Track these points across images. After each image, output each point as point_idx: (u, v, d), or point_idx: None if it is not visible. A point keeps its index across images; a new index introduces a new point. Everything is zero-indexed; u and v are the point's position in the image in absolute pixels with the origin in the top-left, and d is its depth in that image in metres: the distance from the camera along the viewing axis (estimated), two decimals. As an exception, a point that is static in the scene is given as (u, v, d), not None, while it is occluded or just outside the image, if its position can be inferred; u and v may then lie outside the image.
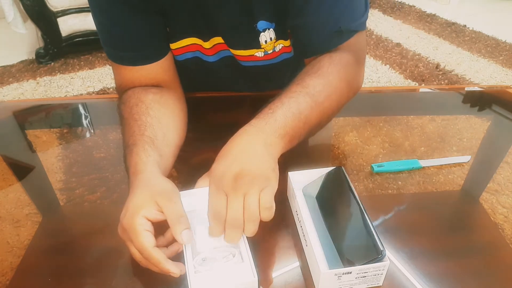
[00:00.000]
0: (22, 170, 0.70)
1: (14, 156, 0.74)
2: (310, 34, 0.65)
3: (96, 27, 0.67)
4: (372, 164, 0.68)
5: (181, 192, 0.54)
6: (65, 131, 0.79)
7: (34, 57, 2.49)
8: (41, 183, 0.67)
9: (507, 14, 3.15)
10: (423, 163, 0.68)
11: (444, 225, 0.60)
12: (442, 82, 2.32)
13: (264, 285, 0.51)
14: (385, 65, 2.47)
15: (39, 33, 2.48)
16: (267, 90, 0.81)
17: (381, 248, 0.46)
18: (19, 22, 2.39)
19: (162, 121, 0.62)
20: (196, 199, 0.53)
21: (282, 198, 0.62)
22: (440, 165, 0.69)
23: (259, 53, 0.71)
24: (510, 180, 0.66)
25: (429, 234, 0.58)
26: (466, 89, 1.02)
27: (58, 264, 0.54)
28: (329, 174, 0.57)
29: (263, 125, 0.54)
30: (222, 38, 0.70)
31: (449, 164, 0.69)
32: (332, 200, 0.56)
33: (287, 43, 0.72)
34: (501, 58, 2.53)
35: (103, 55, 2.54)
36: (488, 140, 0.76)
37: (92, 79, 2.36)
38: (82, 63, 2.51)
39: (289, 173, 0.59)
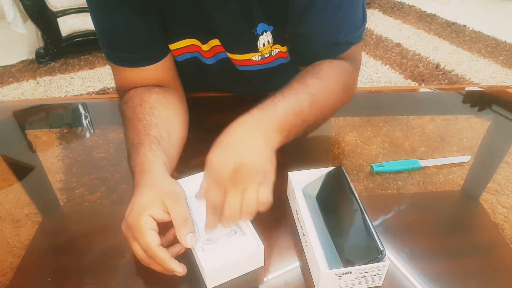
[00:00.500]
0: (22, 170, 0.70)
1: (14, 156, 0.74)
2: (308, 44, 0.66)
3: (95, 29, 0.67)
4: (372, 164, 0.68)
5: (179, 180, 0.56)
6: (65, 131, 0.79)
7: (34, 57, 2.49)
8: (41, 183, 0.67)
9: (507, 14, 3.15)
10: (423, 163, 0.68)
11: (444, 225, 0.60)
12: (442, 82, 2.32)
13: (266, 284, 0.51)
14: (385, 65, 2.47)
15: (39, 33, 2.48)
16: (264, 93, 0.81)
17: (381, 248, 0.46)
18: (19, 22, 2.39)
19: (166, 121, 0.62)
20: (194, 185, 0.55)
21: (282, 198, 0.62)
22: (440, 165, 0.69)
23: (256, 57, 0.71)
24: (510, 180, 0.66)
25: (429, 234, 0.58)
26: (466, 89, 1.02)
27: (58, 264, 0.54)
28: (329, 174, 0.57)
29: (265, 117, 0.54)
30: (220, 41, 0.70)
31: (449, 164, 0.69)
32: (332, 200, 0.56)
33: (284, 48, 0.72)
34: (501, 58, 2.53)
35: (103, 55, 2.52)
36: (488, 140, 0.76)
37: (92, 79, 2.36)
38: (82, 63, 2.51)
39: (289, 173, 0.59)
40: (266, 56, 0.72)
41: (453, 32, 2.86)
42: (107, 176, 0.67)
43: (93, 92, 2.24)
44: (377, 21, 3.05)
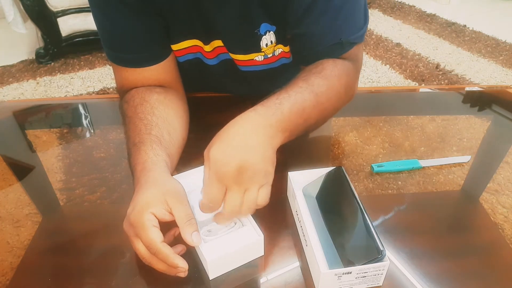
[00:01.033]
0: (22, 170, 0.70)
1: (14, 156, 0.74)
2: (310, 44, 0.65)
3: (97, 29, 0.67)
4: (372, 164, 0.68)
5: (177, 175, 0.57)
6: (65, 131, 0.79)
7: (34, 57, 2.49)
8: (41, 183, 0.67)
9: (507, 14, 3.15)
10: (423, 163, 0.68)
11: (444, 225, 0.60)
12: (442, 82, 2.32)
13: (266, 284, 0.51)
14: (385, 65, 2.47)
15: (39, 33, 2.47)
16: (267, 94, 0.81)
17: (381, 248, 0.46)
18: (19, 22, 2.39)
19: (167, 121, 0.62)
20: (190, 180, 0.56)
21: (282, 198, 0.62)
22: (440, 165, 0.69)
23: (258, 57, 0.71)
24: (510, 180, 0.66)
25: (429, 234, 0.58)
26: (466, 89, 1.02)
27: (58, 264, 0.54)
28: (329, 174, 0.57)
29: (269, 115, 0.53)
30: (222, 41, 0.70)
31: (449, 164, 0.69)
32: (332, 200, 0.56)
33: (287, 48, 0.72)
34: (501, 58, 2.53)
35: (103, 55, 2.54)
36: (488, 140, 0.76)
37: (92, 79, 2.36)
38: (82, 63, 2.51)
39: (289, 173, 0.59)
40: (269, 56, 0.72)
41: (453, 32, 2.86)
42: (107, 176, 0.67)
43: (93, 92, 2.24)
44: (377, 21, 3.05)
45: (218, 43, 0.71)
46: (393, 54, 2.58)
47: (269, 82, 0.81)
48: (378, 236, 0.48)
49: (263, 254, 0.53)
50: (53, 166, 0.69)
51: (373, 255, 0.46)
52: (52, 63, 2.49)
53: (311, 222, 0.54)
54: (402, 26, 2.98)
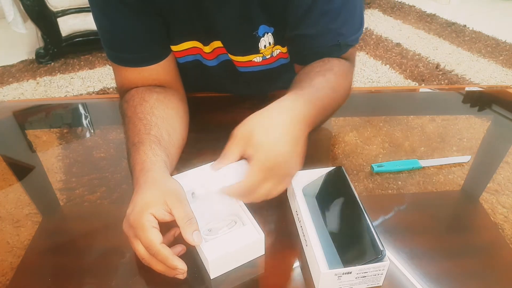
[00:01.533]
0: (22, 170, 0.70)
1: (14, 156, 0.74)
2: (310, 45, 0.66)
3: (97, 28, 0.67)
4: (372, 164, 0.68)
5: (177, 175, 0.57)
6: (65, 131, 0.79)
7: (34, 57, 2.49)
8: (41, 183, 0.67)
9: (507, 14, 3.15)
10: (423, 163, 0.68)
11: (444, 225, 0.60)
12: (442, 82, 2.32)
13: (266, 285, 0.51)
14: (385, 65, 2.47)
15: (39, 33, 2.47)
16: (266, 94, 0.81)
17: (381, 248, 0.46)
18: (19, 22, 2.39)
19: (166, 121, 0.62)
20: (189, 181, 0.56)
21: (282, 198, 0.62)
22: (440, 165, 0.69)
23: (257, 58, 0.71)
24: (510, 180, 0.66)
25: (429, 234, 0.58)
26: (466, 89, 1.02)
27: (58, 264, 0.54)
28: (329, 174, 0.57)
29: (306, 109, 0.54)
30: (222, 43, 0.70)
31: (449, 164, 0.69)
32: (332, 200, 0.56)
33: (285, 49, 0.72)
34: (501, 58, 2.53)
35: (103, 55, 2.54)
36: (488, 140, 0.76)
37: (92, 79, 2.36)
38: (82, 63, 2.51)
39: (289, 173, 0.59)
40: (267, 57, 0.72)
41: (453, 32, 2.86)
42: (107, 176, 0.67)
43: (93, 92, 2.24)
44: (377, 21, 3.05)
45: (217, 44, 0.71)
46: (393, 54, 2.58)
47: (268, 83, 0.81)
48: (378, 236, 0.48)
49: (263, 253, 0.53)
50: (53, 166, 0.69)
51: (373, 255, 0.46)
52: (52, 63, 2.49)
53: (311, 222, 0.54)
54: (402, 26, 2.98)
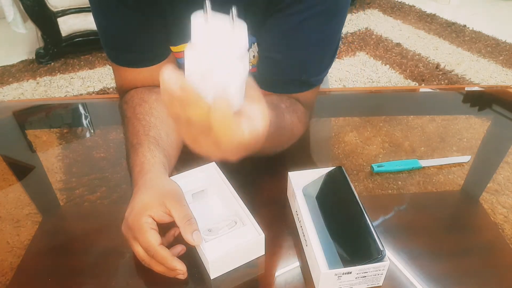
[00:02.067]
0: (22, 170, 0.70)
1: (14, 156, 0.74)
2: (272, 69, 0.63)
3: (97, 28, 0.67)
4: (372, 164, 0.68)
5: (175, 176, 0.57)
6: (65, 131, 0.79)
7: (34, 57, 2.49)
8: (41, 183, 0.67)
9: (507, 14, 3.15)
10: (423, 163, 0.68)
11: (444, 225, 0.60)
12: (442, 82, 2.32)
13: (266, 285, 0.51)
14: (385, 65, 2.47)
15: (39, 33, 2.47)
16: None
17: (381, 248, 0.46)
18: (19, 22, 2.39)
19: (165, 121, 0.62)
20: (188, 181, 0.56)
21: (282, 198, 0.62)
22: (440, 165, 0.69)
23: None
24: (510, 180, 0.66)
25: (429, 234, 0.58)
26: (466, 89, 1.02)
27: (58, 264, 0.54)
28: (329, 174, 0.57)
29: None
30: None
31: (449, 164, 0.69)
32: (332, 200, 0.56)
33: None
34: (501, 58, 2.53)
35: (103, 55, 2.54)
36: (488, 140, 0.76)
37: (92, 79, 2.36)
38: (82, 63, 2.51)
39: (289, 173, 0.59)
40: (255, 65, 0.71)
41: (453, 32, 2.86)
42: (107, 176, 0.67)
43: (93, 92, 2.24)
44: (377, 21, 3.05)
45: None
46: (393, 54, 2.58)
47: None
48: (378, 236, 0.48)
49: (263, 253, 0.53)
50: (53, 166, 0.69)
51: (373, 255, 0.46)
52: (52, 63, 2.49)
53: (311, 222, 0.54)
54: (402, 26, 2.98)
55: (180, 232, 0.48)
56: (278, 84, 0.63)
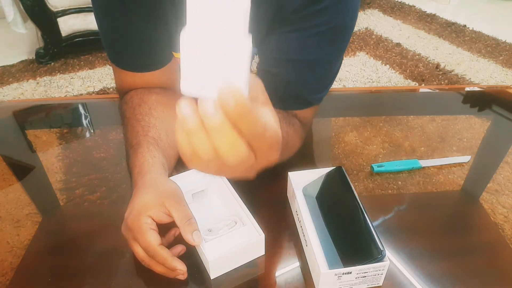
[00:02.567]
0: (22, 170, 0.70)
1: (14, 156, 0.74)
2: (270, 84, 0.60)
3: (99, 30, 0.66)
4: (372, 164, 0.68)
5: (175, 176, 0.57)
6: (65, 131, 0.79)
7: (34, 57, 2.49)
8: (41, 183, 0.67)
9: (507, 14, 3.15)
10: (423, 163, 0.68)
11: (444, 225, 0.60)
12: (442, 82, 2.32)
13: (266, 285, 0.51)
14: (385, 65, 2.47)
15: (39, 33, 2.47)
16: None
17: (381, 248, 0.46)
18: (19, 22, 2.39)
19: (165, 122, 0.62)
20: (187, 182, 0.56)
21: (282, 198, 0.62)
22: (440, 165, 0.69)
23: None
24: (510, 180, 0.66)
25: (429, 234, 0.58)
26: (466, 89, 1.02)
27: (58, 264, 0.54)
28: (329, 174, 0.57)
29: None
30: None
31: (449, 164, 0.69)
32: (332, 200, 0.56)
33: None
34: (501, 58, 2.53)
35: (103, 55, 2.54)
36: (488, 140, 0.76)
37: (92, 79, 2.36)
38: (82, 63, 2.51)
39: (289, 173, 0.59)
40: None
41: (453, 32, 2.86)
42: (107, 176, 0.67)
43: (93, 92, 2.24)
44: (377, 21, 3.05)
45: None
46: (393, 54, 2.58)
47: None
48: (378, 236, 0.48)
49: (263, 253, 0.53)
50: (53, 166, 0.69)
51: (373, 255, 0.46)
52: (52, 63, 2.48)
53: (311, 222, 0.54)
54: (402, 26, 2.98)
55: (180, 232, 0.48)
56: (275, 100, 0.61)
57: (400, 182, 0.66)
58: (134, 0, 0.59)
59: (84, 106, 0.87)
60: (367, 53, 2.60)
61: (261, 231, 0.52)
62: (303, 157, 0.71)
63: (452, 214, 0.62)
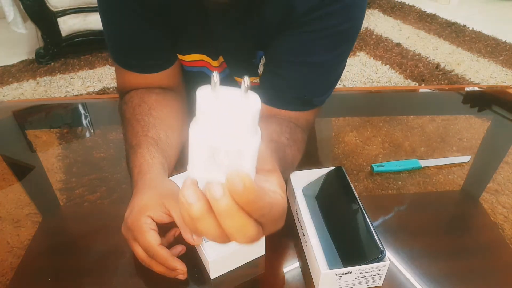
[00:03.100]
0: (22, 170, 0.70)
1: (14, 156, 0.74)
2: (276, 84, 0.62)
3: (103, 30, 0.65)
4: (372, 164, 0.68)
5: (175, 176, 0.57)
6: (65, 131, 0.79)
7: (34, 57, 2.49)
8: (41, 183, 0.67)
9: (507, 14, 3.15)
10: (423, 163, 0.68)
11: (444, 225, 0.60)
12: (442, 82, 2.32)
13: (266, 285, 0.51)
14: (385, 65, 2.47)
15: (39, 33, 2.47)
16: None
17: (381, 248, 0.46)
18: (19, 22, 2.39)
19: (164, 122, 0.62)
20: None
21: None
22: (440, 165, 0.69)
23: (257, 80, 0.71)
24: (510, 180, 0.66)
25: (429, 234, 0.58)
26: (466, 89, 1.02)
27: (58, 264, 0.54)
28: (329, 174, 0.57)
29: None
30: (226, 64, 0.69)
31: (449, 164, 0.69)
32: (332, 200, 0.56)
33: None
34: (501, 58, 2.53)
35: (103, 55, 2.54)
36: (488, 140, 0.76)
37: (92, 79, 2.36)
38: (82, 63, 2.51)
39: (289, 173, 0.59)
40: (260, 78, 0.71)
41: (453, 32, 2.86)
42: (107, 176, 0.67)
43: (93, 92, 2.24)
44: (377, 21, 3.05)
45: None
46: (393, 54, 2.58)
47: None
48: (378, 236, 0.48)
49: (263, 253, 0.53)
50: (53, 166, 0.69)
51: (373, 255, 0.46)
52: (52, 63, 2.48)
53: (311, 222, 0.54)
54: (402, 26, 2.98)
55: (180, 232, 0.49)
56: (279, 100, 0.62)
57: (400, 182, 0.66)
58: (141, 3, 0.59)
59: (84, 106, 0.87)
60: (367, 53, 2.60)
61: None
62: (303, 157, 0.71)
63: (452, 214, 0.62)
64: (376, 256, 0.46)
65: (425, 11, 3.18)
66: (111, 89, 2.26)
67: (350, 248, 0.49)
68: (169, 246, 0.51)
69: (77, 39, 2.47)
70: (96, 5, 0.64)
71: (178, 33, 0.65)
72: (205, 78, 0.75)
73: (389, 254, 0.53)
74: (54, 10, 2.33)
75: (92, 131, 0.79)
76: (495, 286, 0.51)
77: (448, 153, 0.72)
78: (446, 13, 3.12)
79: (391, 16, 3.14)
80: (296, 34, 0.57)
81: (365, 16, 0.70)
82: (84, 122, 0.83)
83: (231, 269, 0.51)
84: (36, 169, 0.70)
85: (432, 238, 0.57)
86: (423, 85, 2.30)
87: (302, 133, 0.63)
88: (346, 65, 0.64)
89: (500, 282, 0.51)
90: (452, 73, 2.39)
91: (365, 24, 2.98)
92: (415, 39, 2.78)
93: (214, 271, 0.50)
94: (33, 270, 0.53)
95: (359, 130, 0.77)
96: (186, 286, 0.50)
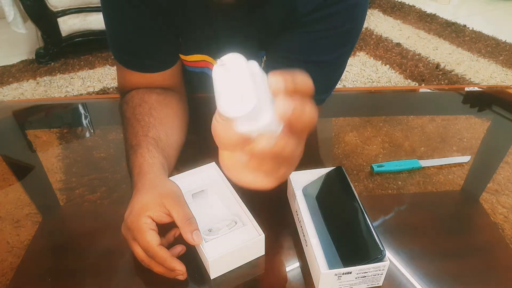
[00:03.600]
0: (22, 170, 0.70)
1: (14, 156, 0.74)
2: None
3: (106, 28, 0.65)
4: (372, 164, 0.68)
5: (175, 176, 0.57)
6: (65, 131, 0.79)
7: (34, 57, 2.49)
8: (41, 183, 0.67)
9: (507, 14, 3.15)
10: (423, 163, 0.68)
11: (444, 225, 0.60)
12: (442, 82, 2.32)
13: (266, 285, 0.51)
14: (385, 65, 2.47)
15: (39, 33, 2.47)
16: None
17: (381, 248, 0.46)
18: (19, 22, 2.39)
19: (164, 122, 0.62)
20: (187, 182, 0.56)
21: (282, 198, 0.62)
22: (440, 165, 0.69)
23: None
24: (510, 180, 0.66)
25: (429, 234, 0.58)
26: (466, 89, 1.02)
27: (58, 264, 0.54)
28: (329, 174, 0.57)
29: None
30: None
31: (449, 164, 0.69)
32: (332, 200, 0.56)
33: None
34: (501, 58, 2.53)
35: (103, 55, 2.54)
36: (488, 140, 0.76)
37: (92, 79, 2.36)
38: (82, 63, 2.50)
39: (289, 173, 0.59)
40: None
41: (453, 32, 2.86)
42: (107, 176, 0.67)
43: (93, 92, 2.24)
44: (377, 21, 3.05)
45: None
46: (393, 54, 2.58)
47: None
48: (378, 236, 0.48)
49: (263, 253, 0.53)
50: (53, 166, 0.69)
51: (373, 255, 0.46)
52: (52, 63, 2.48)
53: (311, 222, 0.54)
54: (402, 26, 2.98)
55: (180, 232, 0.49)
56: None
57: (400, 182, 0.66)
58: (146, 3, 0.59)
59: (84, 106, 0.87)
60: (367, 53, 2.60)
61: (261, 231, 0.51)
62: (303, 157, 0.71)
63: (452, 214, 0.62)
64: (376, 256, 0.46)
65: (425, 11, 3.18)
66: (111, 89, 2.26)
67: (350, 248, 0.49)
68: (169, 246, 0.51)
69: (77, 39, 2.47)
70: (97, 5, 0.65)
71: (181, 33, 0.65)
72: (207, 79, 0.75)
73: (389, 254, 0.53)
74: (54, 10, 2.33)
75: (92, 131, 0.79)
76: (495, 286, 0.51)
77: (448, 153, 0.72)
78: (446, 13, 3.12)
79: (391, 16, 3.14)
80: (298, 34, 0.57)
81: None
82: (84, 122, 0.83)
83: (231, 269, 0.51)
84: (36, 169, 0.70)
85: (432, 238, 0.57)
86: (423, 85, 2.30)
87: None
88: (346, 64, 0.64)
89: (500, 282, 0.51)
90: (452, 73, 2.38)
91: (365, 24, 2.97)
92: (415, 39, 2.78)
93: (214, 271, 0.50)
94: (33, 270, 0.53)
95: (359, 130, 0.77)
96: (186, 286, 0.50)
